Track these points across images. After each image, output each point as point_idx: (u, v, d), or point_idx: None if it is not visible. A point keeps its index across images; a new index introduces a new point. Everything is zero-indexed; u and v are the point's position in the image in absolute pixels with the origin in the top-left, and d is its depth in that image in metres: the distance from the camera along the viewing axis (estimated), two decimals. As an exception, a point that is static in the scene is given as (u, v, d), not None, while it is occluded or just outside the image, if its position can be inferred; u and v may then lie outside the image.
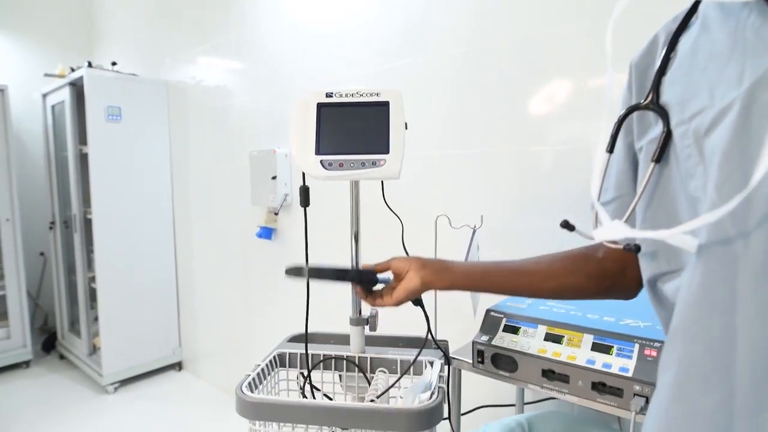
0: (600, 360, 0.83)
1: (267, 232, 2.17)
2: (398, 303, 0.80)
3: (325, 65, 1.92)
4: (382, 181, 0.98)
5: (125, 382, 2.73)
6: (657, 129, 0.49)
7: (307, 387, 0.94)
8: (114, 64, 2.76)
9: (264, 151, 2.07)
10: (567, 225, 0.54)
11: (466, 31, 1.49)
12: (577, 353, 0.86)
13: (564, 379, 0.86)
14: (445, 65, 1.55)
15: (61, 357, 3.14)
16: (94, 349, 2.85)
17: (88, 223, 2.75)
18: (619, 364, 0.81)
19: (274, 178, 2.04)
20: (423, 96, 1.59)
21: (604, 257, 0.66)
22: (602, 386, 0.81)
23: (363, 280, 0.86)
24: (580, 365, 0.83)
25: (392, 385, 0.89)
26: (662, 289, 0.49)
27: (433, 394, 0.80)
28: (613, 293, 0.68)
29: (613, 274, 0.66)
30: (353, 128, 0.88)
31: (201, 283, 2.78)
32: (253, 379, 0.87)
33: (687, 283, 0.43)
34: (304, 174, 0.89)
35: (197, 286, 2.80)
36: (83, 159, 2.70)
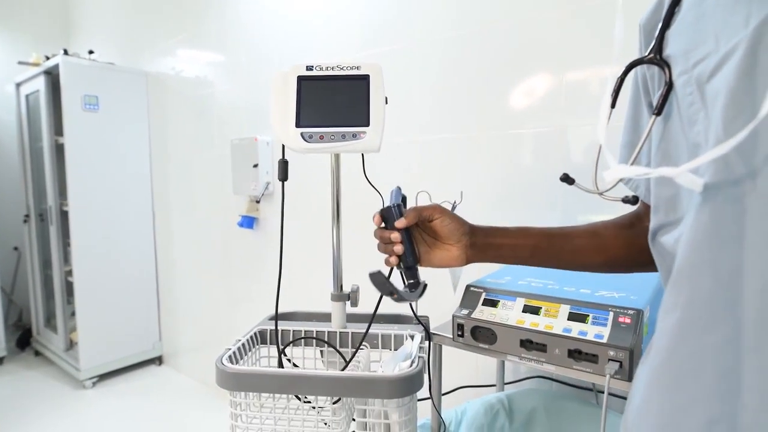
0: (576, 328, 0.85)
1: (249, 222, 2.15)
2: (436, 266, 0.73)
3: (307, 53, 1.91)
4: (362, 155, 0.99)
5: (104, 377, 2.68)
6: (662, 82, 0.49)
7: (284, 361, 0.94)
8: (91, 52, 2.70)
9: (245, 139, 2.06)
10: (567, 178, 0.55)
11: (447, 18, 1.50)
12: (554, 323, 0.87)
13: (541, 348, 0.87)
14: (426, 52, 1.56)
15: (37, 353, 3.06)
16: (71, 345, 2.79)
17: (64, 216, 2.70)
18: (594, 331, 0.83)
19: (255, 166, 2.02)
20: (404, 82, 1.60)
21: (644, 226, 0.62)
22: (578, 353, 0.83)
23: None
24: (557, 334, 0.85)
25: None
26: (661, 241, 0.50)
27: (413, 362, 0.81)
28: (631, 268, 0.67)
29: (620, 229, 0.65)
30: (333, 101, 0.88)
31: (181, 275, 2.74)
32: (234, 353, 0.86)
33: (692, 226, 0.43)
34: (284, 146, 0.89)
35: (177, 278, 2.77)
36: (59, 150, 2.64)
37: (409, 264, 0.70)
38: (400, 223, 0.69)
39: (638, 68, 0.54)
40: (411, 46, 1.59)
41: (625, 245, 0.66)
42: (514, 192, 1.39)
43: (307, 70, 0.89)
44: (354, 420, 0.89)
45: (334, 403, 0.79)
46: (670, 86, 0.47)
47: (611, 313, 0.84)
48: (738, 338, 0.39)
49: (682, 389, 0.43)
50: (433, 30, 1.54)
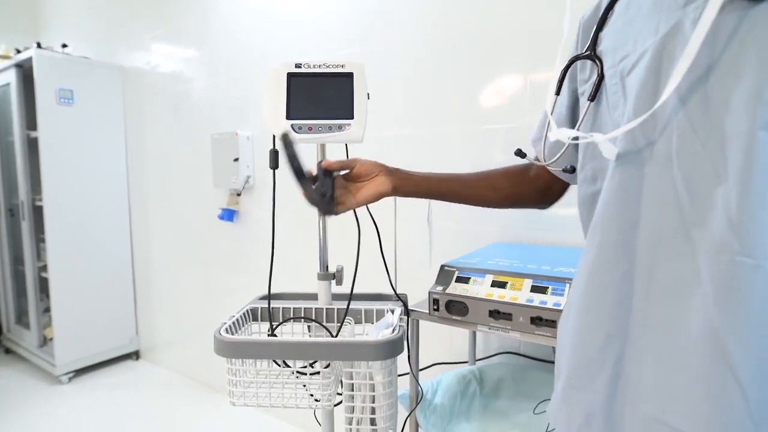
0: (537, 299, 0.96)
1: (229, 214, 2.20)
2: (363, 203, 0.81)
3: (288, 50, 1.98)
4: (346, 146, 1.07)
5: (80, 372, 2.68)
6: (594, 74, 0.61)
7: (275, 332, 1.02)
8: (64, 46, 2.68)
9: (226, 134, 2.11)
10: (520, 153, 0.68)
11: (426, 19, 1.60)
12: (519, 295, 0.99)
13: (507, 317, 0.98)
14: (404, 52, 1.65)
15: (7, 351, 3.02)
16: (44, 341, 2.76)
17: (37, 211, 2.67)
18: (553, 300, 0.94)
19: (236, 160, 2.08)
20: (382, 80, 1.69)
21: (536, 176, 0.82)
22: (539, 320, 0.94)
23: (319, 181, 0.78)
24: (521, 304, 0.96)
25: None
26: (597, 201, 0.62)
27: (394, 330, 0.90)
28: (539, 205, 0.86)
29: (541, 190, 0.82)
30: (320, 96, 0.96)
31: (159, 269, 2.76)
32: (228, 327, 0.94)
33: (606, 186, 0.55)
34: (274, 137, 0.97)
35: (155, 273, 2.78)
36: (31, 144, 2.61)
37: (325, 191, 0.78)
38: (325, 163, 0.81)
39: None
40: (390, 45, 1.68)
41: (511, 185, 0.84)
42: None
43: (296, 67, 0.97)
44: (341, 385, 0.98)
45: (325, 368, 0.88)
46: (601, 78, 0.59)
47: (567, 285, 0.96)
48: (632, 272, 0.52)
49: (591, 312, 0.56)
50: (411, 31, 1.64)
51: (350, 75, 0.97)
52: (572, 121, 0.69)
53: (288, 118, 0.95)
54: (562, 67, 0.66)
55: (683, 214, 0.48)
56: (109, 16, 2.82)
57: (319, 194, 0.77)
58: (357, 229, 1.03)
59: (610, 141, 0.53)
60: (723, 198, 0.44)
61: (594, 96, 0.59)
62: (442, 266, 1.13)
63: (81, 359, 2.67)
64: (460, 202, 0.87)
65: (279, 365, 0.95)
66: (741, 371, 0.44)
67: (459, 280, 1.08)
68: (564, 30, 0.65)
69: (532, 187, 0.83)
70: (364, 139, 0.95)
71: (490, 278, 1.05)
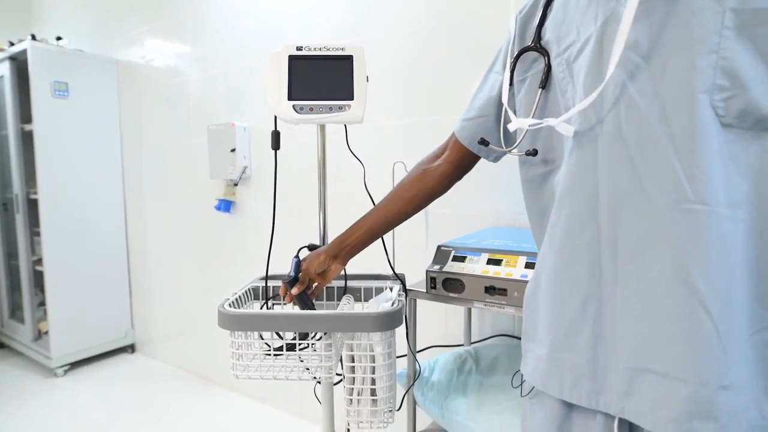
0: (532, 274, 0.99)
1: (226, 205, 2.22)
2: (329, 281, 1.00)
3: (281, 42, 1.99)
4: (345, 127, 1.10)
5: (75, 365, 2.67)
6: (540, 64, 0.67)
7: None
8: (59, 39, 2.68)
9: (222, 125, 2.12)
10: (483, 141, 0.73)
11: (418, 11, 1.63)
12: (513, 271, 1.02)
13: (503, 292, 1.01)
14: (398, 42, 1.68)
15: (2, 345, 3.00)
16: (39, 335, 2.76)
17: (31, 204, 2.67)
18: (547, 275, 0.97)
19: (233, 150, 2.09)
20: (376, 71, 1.72)
21: (444, 166, 0.89)
22: (533, 295, 0.98)
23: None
24: (515, 279, 0.99)
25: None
26: (551, 183, 0.68)
27: (394, 303, 0.93)
28: (445, 191, 0.92)
29: (451, 176, 0.90)
30: (321, 78, 0.99)
31: (155, 262, 2.76)
32: (232, 302, 0.96)
33: (567, 162, 0.61)
34: (276, 118, 0.99)
35: (150, 265, 2.79)
36: (26, 137, 2.61)
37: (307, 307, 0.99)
38: (295, 290, 0.97)
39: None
40: (383, 37, 1.71)
41: (419, 190, 0.91)
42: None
43: (297, 50, 1.00)
44: (341, 364, 1.01)
45: (325, 340, 0.91)
46: (549, 67, 0.65)
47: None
48: (598, 236, 0.57)
49: (566, 280, 0.61)
50: (403, 22, 1.67)
51: (350, 57, 0.99)
52: (492, 109, 0.77)
53: (290, 99, 0.97)
54: (511, 60, 0.71)
55: (639, 175, 0.53)
56: (103, 8, 2.82)
57: (309, 307, 0.99)
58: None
59: (565, 122, 0.59)
60: (674, 156, 0.50)
61: (545, 84, 0.65)
62: (439, 246, 1.16)
63: (76, 352, 2.67)
64: (390, 230, 0.97)
65: (282, 338, 0.97)
66: (710, 306, 0.49)
67: (455, 259, 1.11)
68: (510, 29, 0.72)
69: (439, 178, 0.90)
70: (364, 119, 0.98)
71: (485, 256, 1.08)
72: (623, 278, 0.55)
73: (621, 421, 0.56)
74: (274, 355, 0.94)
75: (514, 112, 0.71)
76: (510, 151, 0.71)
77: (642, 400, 0.53)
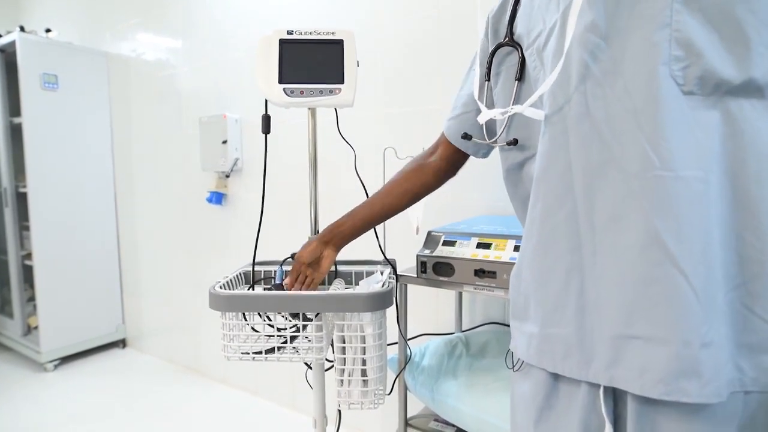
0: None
1: (218, 197, 2.21)
2: (326, 272, 1.00)
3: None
4: (336, 111, 1.10)
5: (66, 360, 2.65)
6: (514, 57, 0.70)
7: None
8: (48, 31, 2.66)
9: (214, 117, 2.12)
10: (466, 136, 0.75)
11: (411, 3, 1.64)
12: (502, 254, 1.03)
13: (492, 275, 1.02)
14: (390, 33, 1.69)
15: (-10, 341, 2.97)
16: (29, 330, 2.73)
17: (20, 198, 2.64)
18: (535, 257, 0.99)
19: (224, 142, 2.09)
20: (370, 61, 1.73)
21: (438, 162, 0.92)
22: (522, 277, 0.99)
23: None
24: (504, 261, 1.01)
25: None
26: (528, 169, 0.70)
27: (384, 285, 0.94)
28: (438, 186, 0.95)
29: (445, 171, 0.92)
30: (312, 62, 0.99)
31: (146, 256, 2.75)
32: (223, 285, 0.96)
33: (541, 144, 0.63)
34: (266, 101, 1.00)
35: (141, 259, 2.77)
36: (15, 130, 2.58)
37: None
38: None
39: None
40: (376, 28, 1.72)
41: (414, 183, 0.94)
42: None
43: (287, 34, 1.00)
44: (332, 348, 1.01)
45: (316, 322, 0.91)
46: (523, 59, 0.68)
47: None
48: (575, 210, 0.58)
49: (548, 255, 0.62)
50: (396, 13, 1.67)
51: (340, 42, 1.00)
52: (488, 100, 0.78)
53: (280, 82, 0.98)
54: (487, 57, 0.74)
55: (609, 148, 0.55)
56: (92, 0, 2.80)
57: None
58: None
59: (534, 107, 0.62)
60: (637, 128, 0.53)
61: (520, 75, 0.67)
62: (429, 232, 1.17)
63: (67, 347, 2.65)
64: (384, 221, 0.99)
65: (272, 326, 0.98)
66: (685, 266, 0.50)
67: (446, 243, 1.12)
68: (479, 29, 0.76)
69: (434, 173, 0.92)
70: (354, 102, 0.99)
71: (475, 240, 1.09)
72: (601, 248, 0.56)
73: (606, 388, 0.58)
74: (266, 340, 0.95)
75: (493, 106, 0.74)
76: (493, 143, 0.73)
77: (629, 366, 0.54)
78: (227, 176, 2.17)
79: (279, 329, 0.95)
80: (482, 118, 0.71)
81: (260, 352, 0.93)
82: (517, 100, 0.68)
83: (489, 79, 0.74)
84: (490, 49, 0.73)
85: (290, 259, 1.00)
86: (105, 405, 2.21)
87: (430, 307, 1.65)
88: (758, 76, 0.51)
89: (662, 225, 0.51)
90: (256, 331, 0.95)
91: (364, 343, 0.90)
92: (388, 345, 1.03)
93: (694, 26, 0.51)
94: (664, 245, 0.51)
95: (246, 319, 0.93)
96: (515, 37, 0.70)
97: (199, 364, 2.50)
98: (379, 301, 0.88)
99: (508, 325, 1.48)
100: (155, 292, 2.73)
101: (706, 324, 0.50)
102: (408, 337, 1.29)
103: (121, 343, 2.90)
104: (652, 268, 0.52)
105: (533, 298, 0.65)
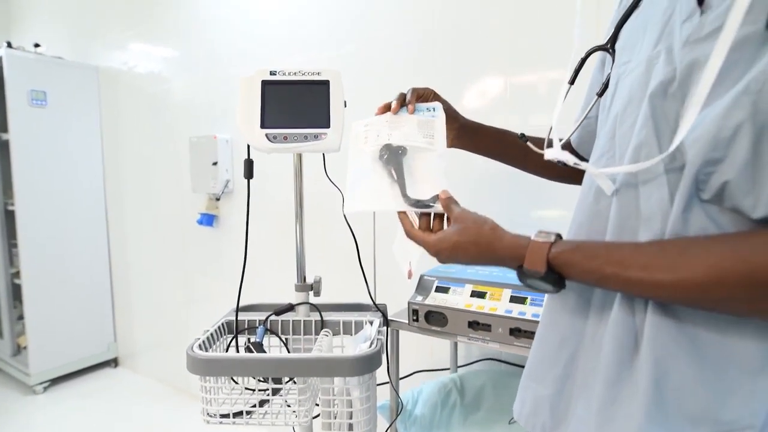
0: (516, 309, 0.95)
1: (208, 219, 2.16)
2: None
3: (267, 51, 1.94)
4: (323, 155, 1.05)
5: (56, 381, 2.60)
6: (609, 68, 0.58)
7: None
8: (37, 45, 2.60)
9: (204, 137, 2.07)
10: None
11: (406, 21, 1.59)
12: (498, 305, 0.98)
13: (487, 328, 0.97)
14: (385, 50, 1.63)
15: (-21, 360, 2.92)
16: (18, 350, 2.68)
17: (8, 216, 2.59)
18: (532, 311, 0.94)
19: (215, 164, 2.04)
20: (365, 81, 1.67)
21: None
22: (518, 331, 0.94)
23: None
24: (500, 315, 0.95)
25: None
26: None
27: (372, 344, 0.89)
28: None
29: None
30: (296, 104, 0.94)
31: (137, 275, 2.70)
32: (203, 342, 0.91)
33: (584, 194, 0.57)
34: (249, 146, 0.94)
35: (133, 278, 2.72)
36: (2, 147, 2.53)
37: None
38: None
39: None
40: (372, 46, 1.66)
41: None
42: (470, 180, 1.49)
43: (270, 74, 0.94)
44: (318, 405, 0.96)
45: (301, 385, 0.86)
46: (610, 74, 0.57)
47: (546, 295, 0.95)
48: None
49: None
50: (392, 30, 1.62)
51: (326, 83, 0.95)
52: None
53: (263, 126, 0.92)
54: (580, 57, 0.61)
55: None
56: (83, 15, 2.75)
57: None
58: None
59: (609, 177, 0.51)
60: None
61: (603, 92, 0.57)
62: (422, 276, 1.12)
63: (57, 368, 2.59)
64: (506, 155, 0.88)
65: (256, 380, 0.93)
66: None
67: (438, 290, 1.07)
68: (575, 34, 0.63)
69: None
70: (341, 147, 0.93)
71: (469, 288, 1.04)
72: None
73: None
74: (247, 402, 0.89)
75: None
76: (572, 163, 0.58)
77: None
78: (218, 199, 2.12)
79: (260, 390, 0.90)
80: (548, 156, 0.56)
81: (241, 413, 0.88)
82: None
83: (573, 83, 0.61)
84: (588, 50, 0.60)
85: (273, 316, 0.95)
86: (97, 430, 2.16)
87: (425, 341, 1.59)
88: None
89: None
90: (237, 384, 0.90)
91: (351, 407, 0.85)
92: (379, 385, 0.98)
93: None
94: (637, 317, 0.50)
95: (235, 381, 0.88)
96: (617, 46, 0.57)
97: (193, 386, 2.45)
98: (366, 365, 0.83)
99: (505, 362, 1.44)
100: (148, 309, 2.67)
101: None
102: (401, 375, 1.24)
103: (113, 363, 2.85)
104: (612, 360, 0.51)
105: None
